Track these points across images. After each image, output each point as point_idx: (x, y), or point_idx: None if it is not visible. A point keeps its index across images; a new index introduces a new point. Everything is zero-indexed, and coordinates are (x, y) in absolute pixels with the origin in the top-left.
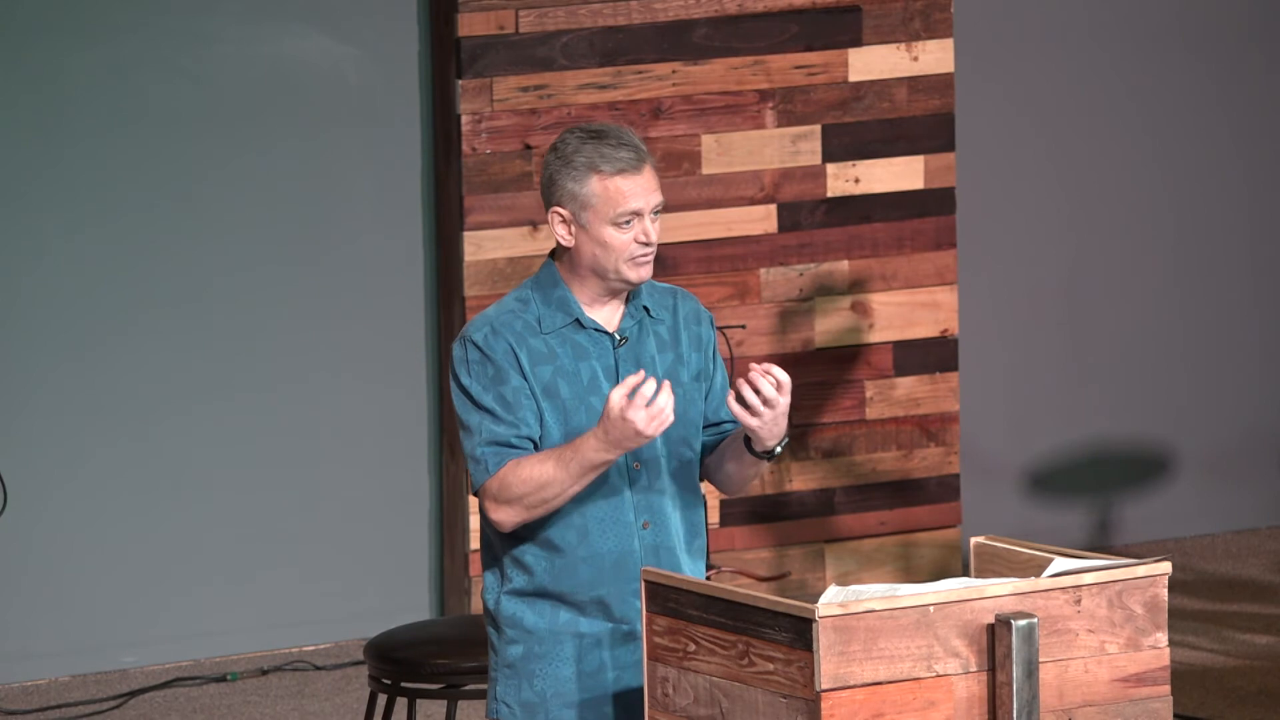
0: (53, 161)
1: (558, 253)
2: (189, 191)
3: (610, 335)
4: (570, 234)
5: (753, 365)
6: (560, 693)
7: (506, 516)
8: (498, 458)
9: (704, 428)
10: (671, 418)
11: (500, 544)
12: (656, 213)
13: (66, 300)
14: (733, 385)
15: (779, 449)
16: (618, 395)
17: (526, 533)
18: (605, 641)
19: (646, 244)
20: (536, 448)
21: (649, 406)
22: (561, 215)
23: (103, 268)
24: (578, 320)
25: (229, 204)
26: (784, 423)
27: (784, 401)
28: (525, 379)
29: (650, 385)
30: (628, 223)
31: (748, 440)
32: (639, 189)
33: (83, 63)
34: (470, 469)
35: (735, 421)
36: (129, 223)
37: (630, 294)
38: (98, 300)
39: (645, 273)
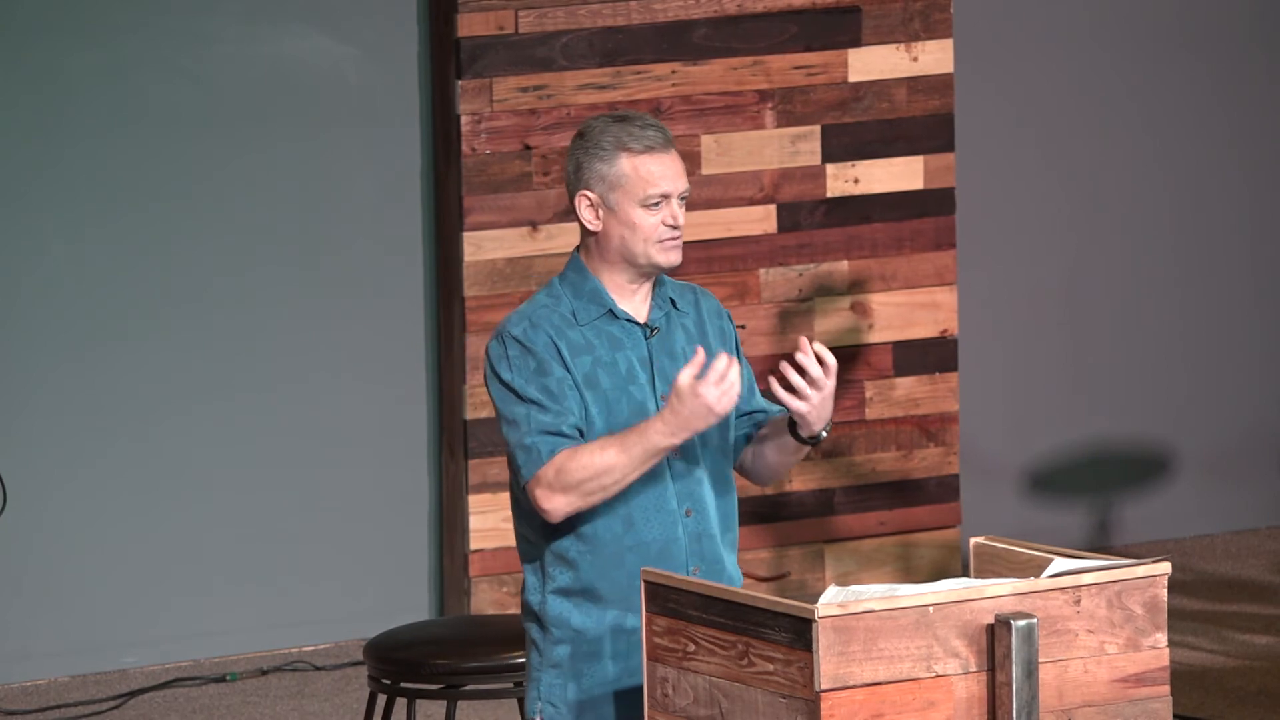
0: (52, 161)
1: (584, 245)
2: (189, 191)
3: (642, 326)
4: (598, 218)
5: (800, 342)
6: (608, 691)
7: (560, 505)
8: (551, 445)
9: (736, 418)
10: (740, 390)
11: (542, 540)
12: (683, 198)
13: (65, 300)
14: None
15: (825, 433)
16: (687, 375)
17: (569, 525)
18: None
19: (674, 226)
20: (584, 437)
21: (719, 382)
22: (589, 199)
23: (101, 267)
24: (611, 311)
25: (228, 204)
26: (830, 405)
27: (830, 384)
28: (568, 370)
29: (722, 361)
30: (656, 204)
31: (792, 425)
32: (668, 171)
33: (82, 62)
34: (519, 459)
35: (766, 410)
36: (128, 223)
37: (655, 286)
38: (97, 300)
39: (675, 257)
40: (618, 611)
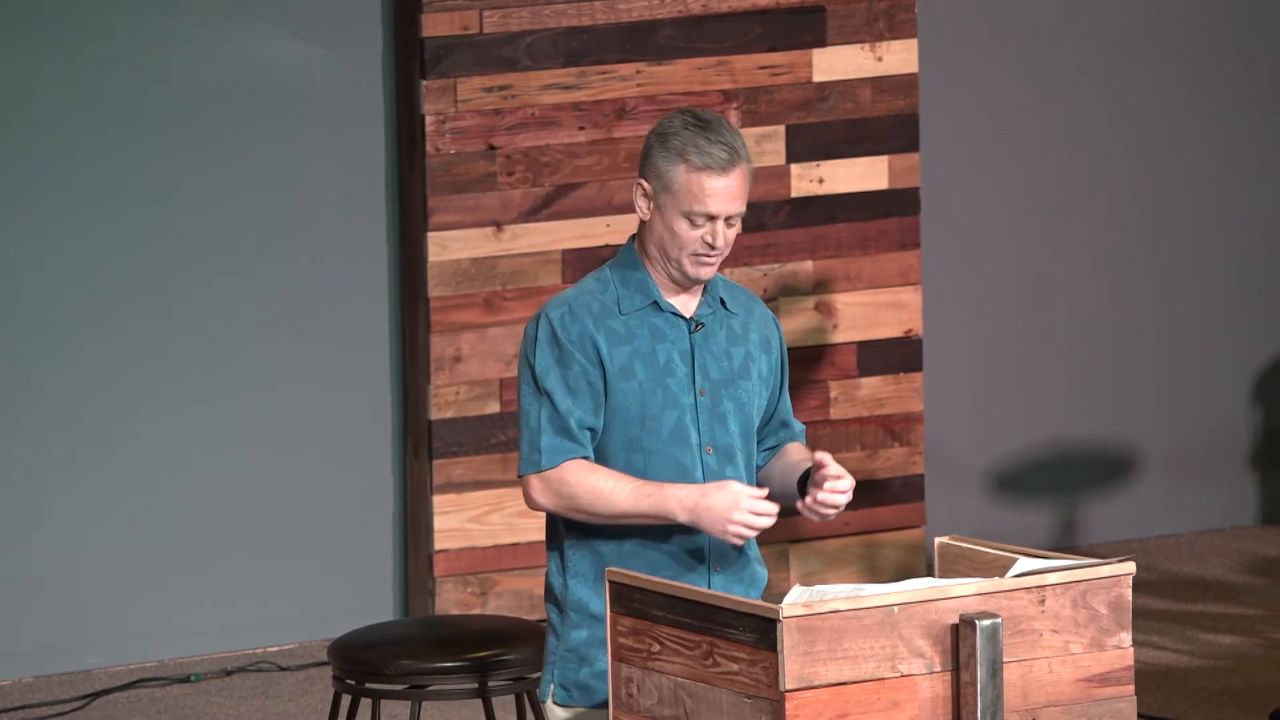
0: (14, 162)
1: (638, 234)
2: (151, 191)
3: (687, 320)
4: (649, 209)
5: (825, 476)
6: None
7: (545, 504)
8: (562, 449)
9: (766, 422)
10: (753, 534)
11: (565, 528)
12: (735, 219)
13: (27, 304)
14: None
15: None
16: (741, 487)
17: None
18: None
19: (712, 246)
20: (594, 436)
21: (756, 513)
22: (644, 188)
23: (63, 271)
24: (655, 303)
25: (192, 204)
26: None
27: (845, 501)
28: (600, 364)
29: (770, 508)
30: (700, 221)
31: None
32: (720, 193)
33: (46, 63)
34: (525, 449)
35: (790, 425)
36: (88, 223)
37: (708, 284)
38: (59, 304)
39: (706, 273)
40: None
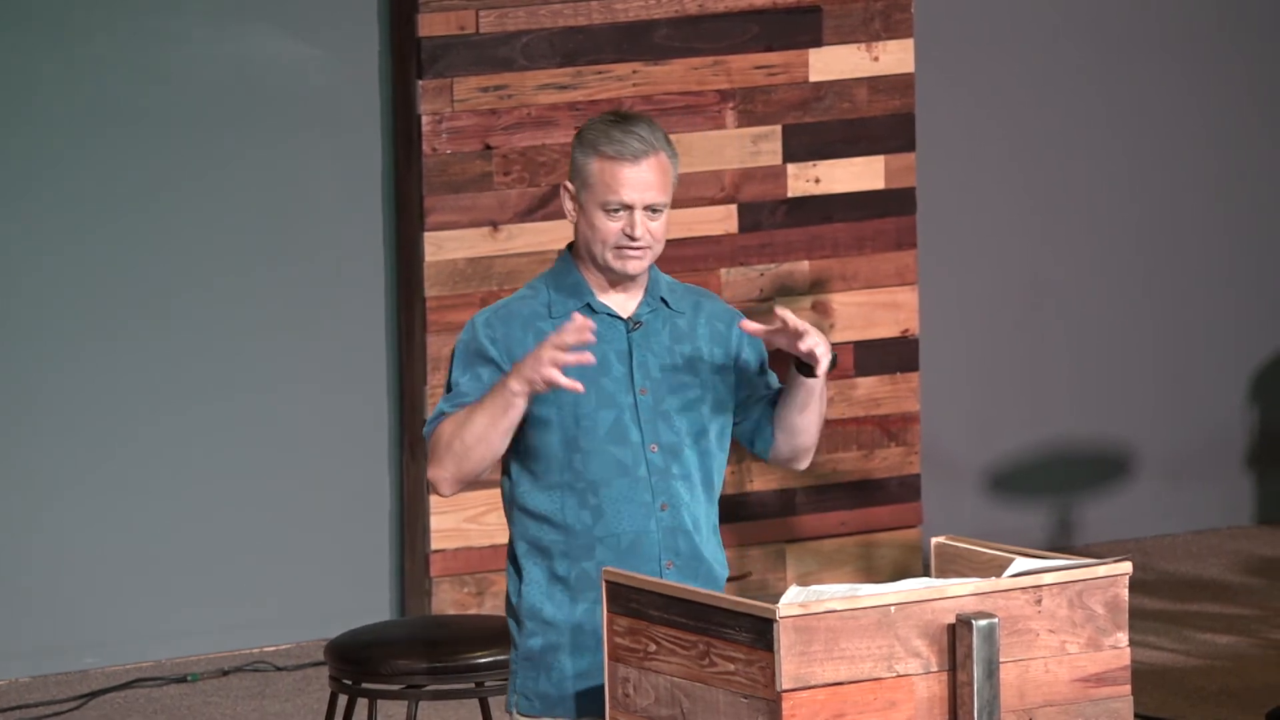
0: (12, 161)
1: (573, 239)
2: (148, 191)
3: (624, 320)
4: (574, 210)
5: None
6: (580, 684)
7: (440, 475)
8: (430, 426)
9: (754, 403)
10: (558, 379)
11: (516, 531)
12: (656, 211)
13: (22, 304)
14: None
15: (834, 356)
16: (553, 340)
17: (541, 516)
18: None
19: (633, 237)
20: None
21: (556, 348)
22: (569, 190)
23: (61, 271)
24: (589, 305)
25: (189, 204)
26: (820, 332)
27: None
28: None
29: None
30: (616, 211)
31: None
32: (634, 181)
33: (45, 64)
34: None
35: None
36: (86, 223)
37: (649, 285)
38: (55, 304)
39: (633, 266)
40: (588, 604)
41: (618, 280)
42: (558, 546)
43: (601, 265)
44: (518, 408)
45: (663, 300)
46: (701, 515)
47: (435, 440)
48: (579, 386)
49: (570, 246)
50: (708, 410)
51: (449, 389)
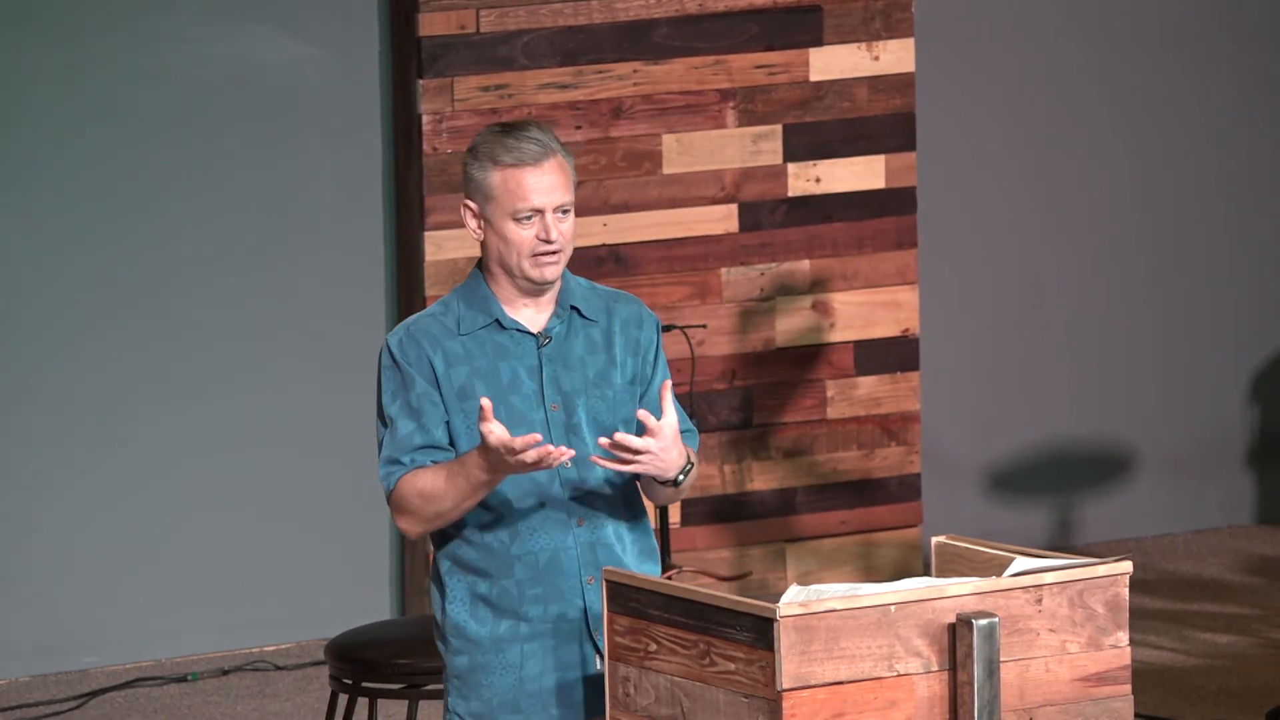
0: (9, 161)
1: (481, 257)
2: (148, 192)
3: (534, 336)
4: (479, 227)
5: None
6: (506, 700)
7: (408, 526)
8: (396, 472)
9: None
10: (563, 461)
11: (439, 552)
12: (565, 211)
13: (23, 304)
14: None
15: (682, 478)
16: (495, 438)
17: (462, 536)
18: (546, 642)
19: (547, 241)
20: (452, 450)
21: (537, 455)
22: (471, 208)
23: (61, 271)
24: (498, 321)
25: (189, 204)
26: (674, 455)
27: (655, 443)
28: (437, 384)
29: (549, 447)
30: (528, 218)
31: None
32: (539, 185)
33: (43, 63)
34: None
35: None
36: (88, 225)
37: (560, 295)
38: (56, 304)
39: (551, 272)
40: (510, 621)
41: (530, 291)
42: (478, 565)
43: (519, 276)
44: (489, 488)
45: (574, 309)
46: (624, 528)
47: (398, 499)
48: (566, 452)
49: (479, 263)
50: (621, 423)
51: (384, 421)
